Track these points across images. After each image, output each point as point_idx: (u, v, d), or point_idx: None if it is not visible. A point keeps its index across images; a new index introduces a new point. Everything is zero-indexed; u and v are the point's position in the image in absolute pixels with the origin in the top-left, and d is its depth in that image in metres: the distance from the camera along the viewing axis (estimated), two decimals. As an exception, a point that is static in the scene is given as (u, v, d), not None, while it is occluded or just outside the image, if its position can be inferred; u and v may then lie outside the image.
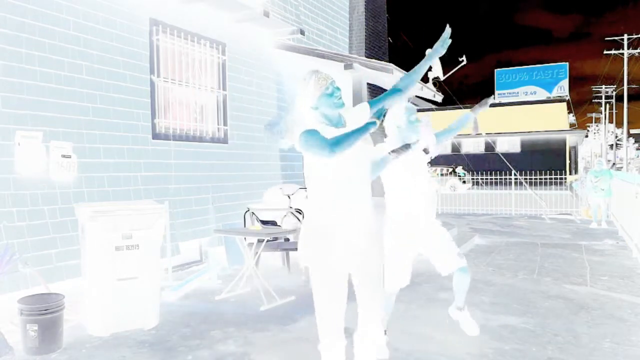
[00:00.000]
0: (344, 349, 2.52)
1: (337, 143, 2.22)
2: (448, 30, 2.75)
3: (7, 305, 3.83)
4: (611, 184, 10.64)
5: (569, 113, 31.97)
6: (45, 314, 3.41)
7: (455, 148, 30.29)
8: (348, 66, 7.49)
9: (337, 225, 2.36)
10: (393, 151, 2.85)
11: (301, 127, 2.36)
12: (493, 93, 33.69)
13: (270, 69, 7.58)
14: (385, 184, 3.30)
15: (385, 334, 3.28)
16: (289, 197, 6.52)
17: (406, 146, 2.79)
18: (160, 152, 5.67)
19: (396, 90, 2.67)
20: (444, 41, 2.78)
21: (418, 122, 3.24)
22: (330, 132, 2.34)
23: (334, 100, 2.42)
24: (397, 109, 3.28)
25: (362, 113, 2.55)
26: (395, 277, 3.22)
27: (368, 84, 8.48)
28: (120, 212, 3.91)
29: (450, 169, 24.01)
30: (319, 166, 2.38)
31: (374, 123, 2.27)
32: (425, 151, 3.22)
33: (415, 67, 2.76)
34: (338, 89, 2.46)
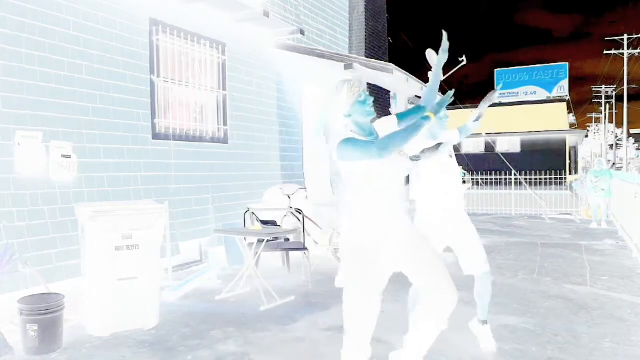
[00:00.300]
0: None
1: (384, 145, 2.25)
2: (445, 39, 2.80)
3: (7, 305, 3.83)
4: (611, 184, 10.64)
5: (569, 113, 31.96)
6: (45, 314, 3.41)
7: (455, 148, 30.26)
8: (348, 66, 7.49)
9: (379, 242, 2.41)
10: (423, 151, 2.87)
11: (336, 137, 2.41)
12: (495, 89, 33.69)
13: (270, 69, 7.58)
14: (417, 181, 3.35)
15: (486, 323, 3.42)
16: (289, 197, 6.52)
17: (437, 146, 2.82)
18: (160, 152, 5.67)
19: (419, 108, 2.69)
20: (445, 50, 2.84)
21: (447, 118, 3.26)
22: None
23: (366, 108, 2.46)
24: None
25: (391, 126, 2.58)
26: None
27: (368, 84, 8.48)
28: (120, 212, 3.91)
29: (450, 169, 23.92)
30: (360, 176, 2.40)
31: (428, 117, 2.31)
32: (456, 149, 3.31)
33: (430, 84, 2.85)
34: (370, 97, 2.51)
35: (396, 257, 2.46)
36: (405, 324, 3.71)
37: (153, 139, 5.60)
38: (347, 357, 2.50)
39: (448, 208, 3.30)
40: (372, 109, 2.49)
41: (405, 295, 3.50)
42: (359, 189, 2.45)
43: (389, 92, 11.55)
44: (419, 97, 11.43)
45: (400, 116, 2.66)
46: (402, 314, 4.00)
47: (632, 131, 47.26)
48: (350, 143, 2.34)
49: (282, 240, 5.80)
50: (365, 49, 11.37)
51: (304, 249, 5.48)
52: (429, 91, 2.81)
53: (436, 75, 2.87)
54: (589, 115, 59.83)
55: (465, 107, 26.68)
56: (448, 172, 3.35)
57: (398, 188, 2.48)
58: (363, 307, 2.45)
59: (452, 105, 24.82)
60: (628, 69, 33.78)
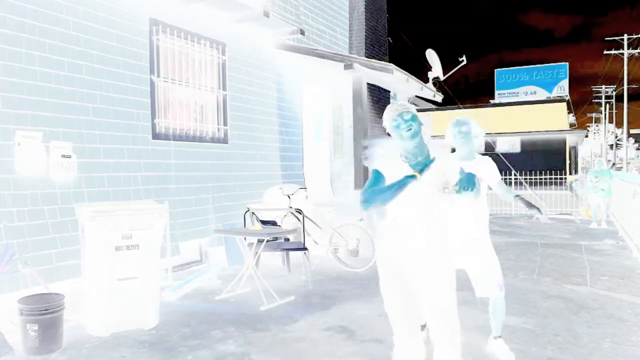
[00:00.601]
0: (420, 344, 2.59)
1: (367, 198, 2.31)
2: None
3: (7, 305, 3.83)
4: (611, 184, 10.63)
5: (569, 113, 31.94)
6: (45, 314, 3.41)
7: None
8: (348, 66, 7.49)
9: (397, 261, 2.46)
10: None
11: (383, 157, 2.46)
12: (493, 93, 33.69)
13: (270, 69, 7.58)
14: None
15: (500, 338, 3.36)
16: (289, 197, 6.52)
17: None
18: (160, 152, 5.67)
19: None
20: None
21: (469, 134, 3.20)
22: (403, 170, 2.37)
23: (401, 132, 2.40)
24: (448, 128, 3.29)
25: (453, 165, 2.46)
26: None
27: (368, 84, 8.48)
28: (120, 212, 3.91)
29: (450, 169, 23.92)
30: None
31: (413, 176, 2.29)
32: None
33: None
34: (405, 119, 2.40)
35: (415, 279, 2.45)
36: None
37: (153, 139, 5.60)
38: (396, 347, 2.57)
39: (457, 227, 3.09)
40: (411, 132, 2.38)
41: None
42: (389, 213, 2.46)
43: (389, 92, 11.55)
44: (419, 97, 11.43)
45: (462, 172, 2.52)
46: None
47: (632, 131, 47.28)
48: (371, 176, 2.42)
49: (282, 240, 5.80)
50: (365, 49, 11.37)
51: (304, 249, 5.48)
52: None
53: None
54: (589, 115, 59.83)
55: (465, 108, 26.68)
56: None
57: (418, 210, 2.41)
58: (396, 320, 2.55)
59: (452, 106, 24.75)
60: (628, 69, 33.78)
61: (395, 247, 2.46)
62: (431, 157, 2.41)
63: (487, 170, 3.31)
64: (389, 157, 2.45)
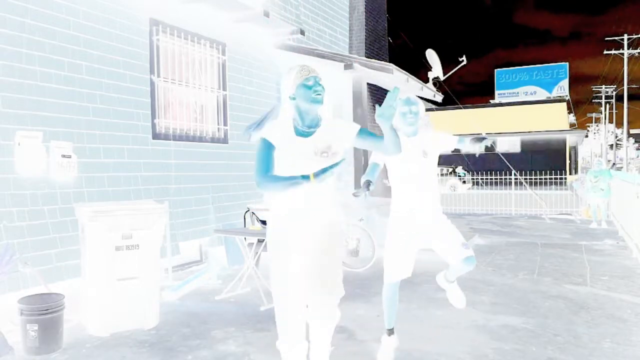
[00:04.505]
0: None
1: (265, 183, 2.32)
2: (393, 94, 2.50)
3: (7, 305, 3.83)
4: (610, 184, 10.64)
5: (569, 113, 31.97)
6: (45, 314, 3.41)
7: (455, 148, 30.23)
8: (348, 66, 7.49)
9: (290, 226, 2.46)
10: (354, 194, 3.09)
11: (271, 123, 2.41)
12: (493, 93, 33.68)
13: (270, 69, 7.58)
14: (391, 179, 3.29)
15: (393, 333, 3.28)
16: (289, 197, 6.51)
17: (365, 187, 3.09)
18: (160, 152, 5.67)
19: (376, 165, 2.78)
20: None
21: (411, 115, 3.19)
22: (291, 141, 2.37)
23: (311, 93, 2.35)
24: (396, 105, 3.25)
25: (348, 129, 2.48)
26: (394, 267, 3.19)
27: (368, 84, 8.49)
28: (120, 212, 3.91)
29: (450, 169, 24.03)
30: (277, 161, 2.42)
31: (307, 177, 2.24)
32: (424, 154, 3.18)
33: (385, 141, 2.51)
34: (320, 84, 2.39)
35: (303, 248, 2.47)
36: (402, 324, 3.73)
37: (153, 139, 5.60)
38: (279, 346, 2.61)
39: (415, 208, 3.17)
40: (320, 97, 2.37)
41: (404, 296, 3.50)
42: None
43: (389, 92, 11.56)
44: (419, 97, 11.43)
45: (362, 131, 2.50)
46: (401, 314, 4.00)
47: (632, 131, 47.27)
48: (258, 151, 2.38)
49: (282, 240, 5.79)
50: (365, 49, 11.37)
51: (304, 249, 5.47)
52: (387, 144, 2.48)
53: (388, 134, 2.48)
54: (589, 115, 59.81)
55: (465, 107, 26.67)
56: (421, 170, 3.18)
57: (324, 186, 2.39)
58: (280, 286, 2.54)
59: (453, 106, 24.75)
60: (628, 69, 33.78)
61: (283, 207, 2.47)
62: (323, 124, 2.46)
63: (436, 139, 3.30)
64: (278, 124, 2.41)
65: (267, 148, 2.37)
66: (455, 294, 3.47)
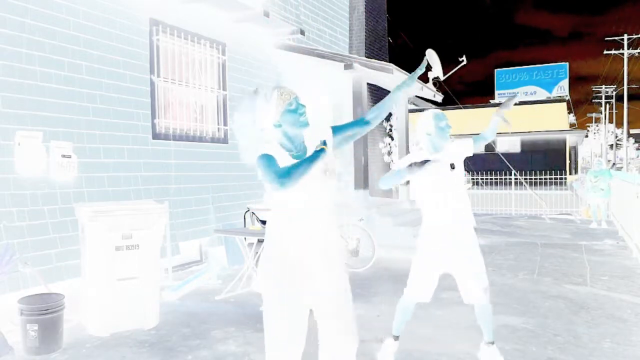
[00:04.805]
0: None
1: (287, 175, 2.08)
2: (427, 60, 2.57)
3: (7, 305, 3.83)
4: (610, 184, 10.64)
5: (569, 113, 31.96)
6: (45, 314, 3.41)
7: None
8: (348, 66, 7.50)
9: (292, 251, 2.23)
10: (410, 165, 2.79)
11: (260, 148, 2.21)
12: (493, 93, 33.68)
13: (270, 69, 7.58)
14: (417, 197, 3.22)
15: (397, 340, 3.30)
16: (289, 197, 6.51)
17: (423, 162, 2.73)
18: (160, 152, 5.67)
19: (364, 122, 2.52)
20: (422, 68, 2.62)
21: (448, 128, 3.12)
22: (287, 161, 2.19)
23: (297, 117, 2.23)
24: (425, 116, 3.18)
25: (325, 134, 2.36)
26: (416, 287, 3.14)
27: (368, 83, 8.48)
28: (120, 212, 3.91)
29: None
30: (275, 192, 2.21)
31: (323, 150, 2.15)
32: (452, 166, 3.10)
33: (385, 100, 2.58)
34: (303, 105, 2.27)
35: (309, 279, 2.25)
36: (425, 330, 3.73)
37: (153, 139, 5.60)
38: None
39: (440, 228, 3.10)
40: (306, 119, 2.24)
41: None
42: (276, 203, 2.28)
43: (389, 92, 11.56)
44: (419, 97, 11.42)
45: (336, 129, 2.43)
46: (425, 319, 3.99)
47: (632, 131, 47.28)
48: (265, 163, 2.14)
49: (282, 240, 5.79)
50: (365, 49, 11.37)
51: (304, 249, 5.47)
52: (376, 108, 2.55)
53: (394, 94, 2.62)
54: (589, 115, 59.82)
55: (465, 107, 26.68)
56: (446, 189, 3.11)
57: (323, 204, 2.27)
58: (282, 320, 2.24)
59: (453, 106, 24.74)
60: (628, 69, 33.78)
61: (285, 235, 2.26)
62: (306, 144, 2.31)
63: (457, 148, 3.24)
64: (272, 149, 2.24)
65: (273, 158, 2.18)
66: (498, 358, 3.22)
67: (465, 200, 3.19)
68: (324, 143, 2.18)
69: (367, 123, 2.52)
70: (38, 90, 4.43)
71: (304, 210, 2.24)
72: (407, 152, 9.39)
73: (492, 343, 3.27)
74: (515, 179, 14.19)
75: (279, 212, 2.29)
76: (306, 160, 2.14)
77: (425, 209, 3.18)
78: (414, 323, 4.04)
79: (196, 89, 6.25)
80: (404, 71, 7.74)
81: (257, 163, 2.17)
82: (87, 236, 3.80)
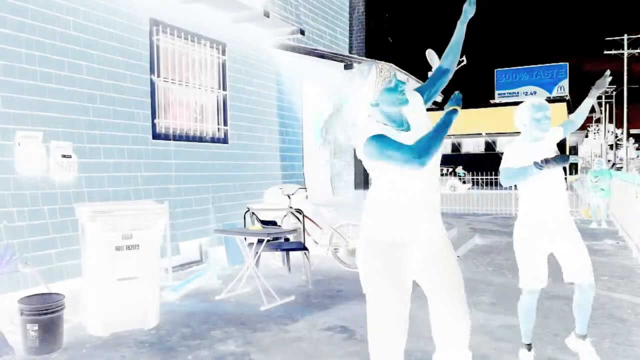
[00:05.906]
0: None
1: (425, 150, 1.91)
2: None
3: (7, 305, 3.83)
4: (610, 184, 10.64)
5: (569, 113, 31.94)
6: (45, 314, 3.41)
7: (455, 148, 30.24)
8: (348, 66, 7.49)
9: (405, 241, 2.14)
10: (542, 161, 2.77)
11: (362, 131, 2.05)
12: (493, 93, 33.67)
13: (270, 69, 7.58)
14: (520, 186, 3.18)
15: (531, 349, 3.26)
16: (289, 197, 6.52)
17: (561, 159, 2.72)
18: (160, 152, 5.67)
19: (443, 71, 2.36)
20: (473, 2, 2.43)
21: (546, 119, 3.04)
22: (397, 137, 2.03)
23: (397, 95, 2.07)
24: (522, 107, 3.13)
25: (417, 103, 2.23)
26: (531, 276, 3.12)
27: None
28: (120, 212, 3.90)
29: (450, 169, 24.03)
30: (386, 176, 2.10)
31: (456, 112, 2.04)
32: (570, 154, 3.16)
33: (453, 40, 2.41)
34: (403, 82, 2.12)
35: (421, 265, 2.20)
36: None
37: (153, 139, 5.60)
38: None
39: (545, 212, 3.08)
40: (405, 97, 2.09)
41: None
42: (385, 181, 2.14)
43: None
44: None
45: (421, 90, 2.32)
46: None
47: (632, 131, 47.27)
48: (385, 143, 1.96)
49: (282, 240, 5.80)
50: (365, 49, 11.37)
51: (304, 249, 5.48)
52: (449, 52, 2.39)
53: (459, 30, 2.43)
54: (588, 115, 59.78)
55: (465, 107, 26.67)
56: (550, 178, 3.05)
57: (430, 182, 2.15)
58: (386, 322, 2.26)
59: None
60: (628, 69, 33.77)
61: (397, 227, 2.13)
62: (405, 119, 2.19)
63: (553, 137, 3.20)
64: (377, 127, 2.10)
65: (389, 138, 2.02)
66: (591, 354, 3.20)
67: (564, 191, 3.19)
68: (457, 101, 2.05)
69: (447, 71, 2.38)
70: (38, 90, 4.43)
71: (414, 193, 2.11)
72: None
73: (585, 337, 3.25)
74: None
75: (388, 196, 2.13)
76: (440, 127, 1.99)
77: (525, 202, 3.15)
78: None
79: (196, 89, 6.25)
80: (404, 71, 7.73)
81: (371, 146, 1.99)
82: (87, 236, 3.80)
